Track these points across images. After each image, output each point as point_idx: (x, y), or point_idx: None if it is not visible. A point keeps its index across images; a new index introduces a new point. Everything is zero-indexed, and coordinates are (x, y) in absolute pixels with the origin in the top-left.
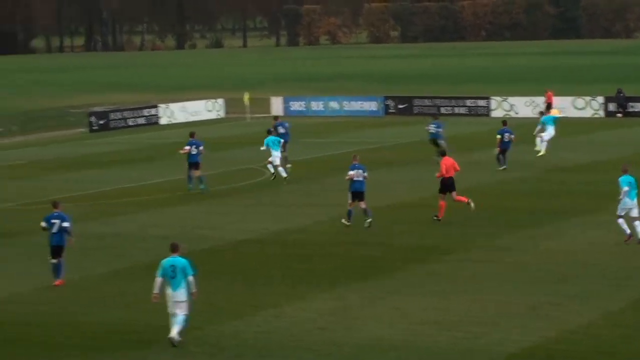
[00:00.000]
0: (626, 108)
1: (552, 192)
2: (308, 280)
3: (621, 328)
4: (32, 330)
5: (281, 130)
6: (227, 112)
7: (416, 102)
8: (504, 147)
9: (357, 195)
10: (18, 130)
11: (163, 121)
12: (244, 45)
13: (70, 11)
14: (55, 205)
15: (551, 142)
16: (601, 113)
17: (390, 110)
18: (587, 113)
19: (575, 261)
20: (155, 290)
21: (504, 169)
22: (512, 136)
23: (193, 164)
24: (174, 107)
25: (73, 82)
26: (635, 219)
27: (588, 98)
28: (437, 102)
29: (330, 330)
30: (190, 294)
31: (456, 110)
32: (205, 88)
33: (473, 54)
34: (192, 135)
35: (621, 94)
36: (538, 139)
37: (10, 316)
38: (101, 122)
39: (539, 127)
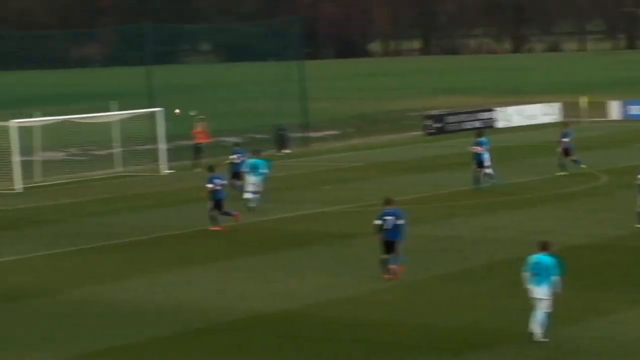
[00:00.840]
0: None
1: None
2: None
3: None
4: (380, 330)
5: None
6: (564, 116)
7: None
8: None
9: None
10: (354, 133)
11: (500, 124)
12: (582, 49)
13: (406, 15)
14: (388, 202)
15: None
16: None
17: None
18: None
19: None
20: (526, 285)
21: None
22: None
23: (478, 161)
24: (511, 110)
25: (408, 86)
26: None
27: None
28: None
29: None
30: (552, 293)
31: None
32: (542, 92)
33: None
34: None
35: None
36: None
37: (348, 316)
38: (438, 125)
39: None
